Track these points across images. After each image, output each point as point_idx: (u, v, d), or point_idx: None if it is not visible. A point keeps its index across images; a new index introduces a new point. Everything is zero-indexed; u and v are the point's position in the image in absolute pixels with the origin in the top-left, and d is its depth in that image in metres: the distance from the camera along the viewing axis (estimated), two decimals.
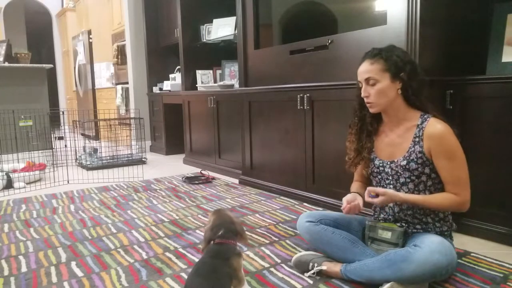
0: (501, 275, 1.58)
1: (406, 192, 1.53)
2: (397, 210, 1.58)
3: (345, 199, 1.60)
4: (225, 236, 1.33)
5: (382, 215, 1.65)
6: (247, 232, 2.09)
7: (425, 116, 1.52)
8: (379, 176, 1.63)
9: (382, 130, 1.64)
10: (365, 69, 1.53)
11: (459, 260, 1.68)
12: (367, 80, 1.52)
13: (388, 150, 1.60)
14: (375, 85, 1.51)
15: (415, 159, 1.50)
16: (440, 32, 2.09)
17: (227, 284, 1.28)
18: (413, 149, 1.51)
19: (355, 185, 1.75)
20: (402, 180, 1.55)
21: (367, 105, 1.57)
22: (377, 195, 1.50)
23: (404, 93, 1.52)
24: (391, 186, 1.58)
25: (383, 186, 1.62)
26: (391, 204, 1.59)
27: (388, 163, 1.58)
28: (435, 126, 1.47)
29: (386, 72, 1.50)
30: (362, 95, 1.55)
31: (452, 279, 1.54)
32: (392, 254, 1.43)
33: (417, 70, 1.53)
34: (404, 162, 1.52)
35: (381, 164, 1.61)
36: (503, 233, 1.91)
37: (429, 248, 1.37)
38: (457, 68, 2.06)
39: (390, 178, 1.58)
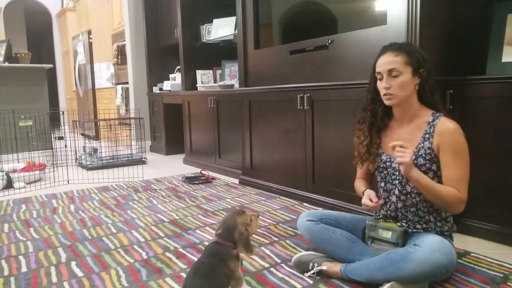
0: (501, 275, 1.58)
1: (411, 188, 1.53)
2: (400, 205, 1.58)
3: (367, 194, 1.60)
4: (222, 236, 1.34)
5: (383, 211, 1.65)
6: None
7: (436, 114, 1.53)
8: (385, 172, 1.63)
9: (391, 126, 1.65)
10: (389, 60, 1.51)
11: (459, 260, 1.68)
12: (390, 71, 1.50)
13: None
14: (397, 77, 1.50)
15: (424, 155, 1.51)
16: (440, 32, 2.09)
17: (226, 284, 1.28)
18: (422, 145, 1.52)
19: (361, 183, 1.74)
20: None
21: (385, 97, 1.54)
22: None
23: (421, 90, 1.54)
24: (397, 181, 1.58)
25: (388, 182, 1.62)
26: (394, 200, 1.58)
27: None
28: (447, 124, 1.49)
29: (408, 66, 1.50)
30: (384, 86, 1.52)
31: (452, 279, 1.54)
32: (392, 253, 1.43)
33: (431, 70, 1.55)
34: (413, 157, 1.52)
35: (388, 159, 1.61)
36: (503, 233, 1.90)
37: (429, 247, 1.37)
38: (457, 68, 2.06)
39: (397, 173, 1.58)
